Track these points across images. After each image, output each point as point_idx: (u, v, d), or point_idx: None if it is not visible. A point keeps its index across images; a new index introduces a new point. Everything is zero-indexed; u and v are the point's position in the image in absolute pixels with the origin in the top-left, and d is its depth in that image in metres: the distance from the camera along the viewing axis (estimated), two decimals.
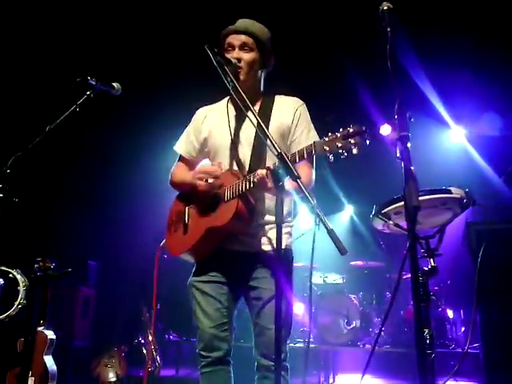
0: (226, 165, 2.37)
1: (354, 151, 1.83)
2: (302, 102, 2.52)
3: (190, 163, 2.60)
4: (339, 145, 1.85)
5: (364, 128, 1.85)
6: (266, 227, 2.35)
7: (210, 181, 2.27)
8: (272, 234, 2.33)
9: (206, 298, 2.33)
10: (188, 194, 2.45)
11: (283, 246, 2.31)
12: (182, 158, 2.61)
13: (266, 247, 2.33)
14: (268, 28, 2.53)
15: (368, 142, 1.85)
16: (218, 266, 2.35)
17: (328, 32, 5.72)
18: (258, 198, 2.29)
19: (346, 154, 1.85)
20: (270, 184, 2.05)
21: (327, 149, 1.88)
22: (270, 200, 2.32)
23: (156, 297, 2.88)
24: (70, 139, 5.50)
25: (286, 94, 2.58)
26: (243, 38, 2.40)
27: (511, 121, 6.28)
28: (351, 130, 1.85)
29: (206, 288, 2.34)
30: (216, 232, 2.26)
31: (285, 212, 2.38)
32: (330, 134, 1.91)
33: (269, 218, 2.35)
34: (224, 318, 2.33)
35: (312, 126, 2.47)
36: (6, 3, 5.30)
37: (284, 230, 2.33)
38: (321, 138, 1.98)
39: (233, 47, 2.40)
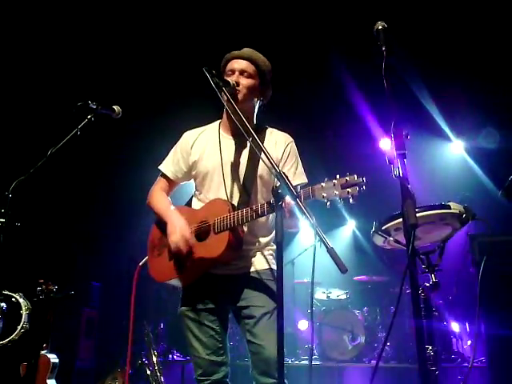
0: (214, 190, 2.40)
1: (351, 201, 1.89)
2: (291, 138, 2.55)
3: (172, 183, 2.61)
4: (336, 193, 1.90)
5: (361, 179, 1.89)
6: (251, 251, 2.39)
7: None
8: (257, 255, 2.39)
9: (199, 327, 2.36)
10: None
11: (270, 267, 2.39)
12: (164, 177, 2.61)
13: (251, 268, 2.37)
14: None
15: (364, 188, 1.89)
16: (206, 292, 2.37)
17: (326, 43, 5.78)
18: (247, 228, 2.33)
19: (342, 202, 1.90)
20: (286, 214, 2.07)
21: (325, 195, 1.93)
22: (253, 224, 2.36)
23: (138, 318, 2.87)
24: (71, 162, 5.54)
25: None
26: (244, 64, 2.44)
27: (510, 134, 6.31)
28: (348, 180, 1.88)
29: (197, 316, 2.37)
30: (206, 262, 2.29)
31: (269, 238, 2.44)
32: (326, 179, 1.95)
33: (253, 242, 2.39)
34: (219, 343, 2.37)
35: (299, 162, 2.52)
36: (8, 27, 5.39)
37: (269, 252, 2.42)
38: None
39: (233, 72, 2.43)
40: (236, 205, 2.32)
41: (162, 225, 2.47)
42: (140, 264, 2.60)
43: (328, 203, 1.93)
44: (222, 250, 2.21)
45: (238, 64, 2.45)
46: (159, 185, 2.61)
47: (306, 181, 2.47)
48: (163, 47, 5.81)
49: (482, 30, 5.55)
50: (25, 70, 5.68)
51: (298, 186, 2.40)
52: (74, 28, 5.51)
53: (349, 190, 1.87)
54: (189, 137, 2.59)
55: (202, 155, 2.48)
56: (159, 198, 2.56)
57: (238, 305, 2.33)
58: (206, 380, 2.33)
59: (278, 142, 2.48)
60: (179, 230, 2.30)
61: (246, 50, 2.51)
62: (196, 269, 2.32)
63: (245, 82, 2.41)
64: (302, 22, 5.59)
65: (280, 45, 5.53)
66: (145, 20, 5.61)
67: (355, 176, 1.89)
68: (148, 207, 2.58)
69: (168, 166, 2.59)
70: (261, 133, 2.47)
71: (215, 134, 2.51)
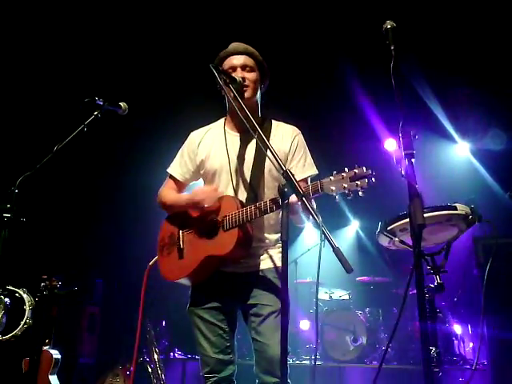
0: (222, 188, 2.40)
1: (360, 194, 1.86)
2: (298, 130, 2.54)
3: (180, 185, 2.61)
4: (345, 186, 1.87)
5: (370, 171, 1.87)
6: (260, 249, 2.39)
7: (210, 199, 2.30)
8: (265, 254, 2.39)
9: (207, 325, 2.37)
10: (180, 217, 2.46)
11: (278, 265, 2.38)
12: (172, 179, 2.61)
13: (260, 266, 2.37)
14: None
15: (374, 181, 1.86)
16: (215, 291, 2.37)
17: (333, 44, 5.78)
18: (256, 225, 2.33)
19: (352, 195, 1.88)
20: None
21: (333, 189, 1.91)
22: (262, 222, 2.36)
23: (142, 316, 2.86)
24: (77, 158, 5.54)
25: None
26: (244, 58, 2.45)
27: None
28: (357, 172, 1.86)
29: (206, 315, 2.38)
30: (216, 259, 2.29)
31: (278, 236, 2.42)
32: (335, 172, 1.93)
33: (262, 239, 2.39)
34: (227, 342, 2.38)
35: (308, 153, 2.50)
36: (15, 22, 5.40)
37: (277, 251, 2.41)
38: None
39: (234, 68, 2.43)
40: (244, 201, 2.31)
41: (175, 217, 2.48)
42: (150, 264, 2.61)
43: (337, 197, 1.91)
44: (231, 247, 2.20)
45: (237, 59, 2.45)
46: (168, 186, 2.62)
47: (316, 172, 2.45)
48: (169, 45, 5.81)
49: (487, 32, 5.53)
50: (32, 66, 5.68)
51: (309, 178, 2.40)
52: (82, 24, 5.51)
53: (358, 182, 1.85)
54: (195, 136, 2.59)
55: (209, 154, 2.48)
56: (170, 193, 2.56)
57: (246, 302, 2.34)
58: (213, 377, 2.35)
59: (284, 135, 2.47)
60: (198, 191, 2.33)
61: (238, 45, 2.51)
62: (207, 267, 2.32)
63: (250, 76, 2.42)
64: (308, 19, 5.58)
65: (285, 43, 5.54)
66: (152, 18, 5.61)
67: (364, 168, 1.87)
68: (160, 206, 2.59)
69: (176, 168, 2.60)
70: (267, 127, 2.47)
71: (221, 131, 2.50)
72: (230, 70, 2.43)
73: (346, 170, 1.90)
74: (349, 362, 5.78)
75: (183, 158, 2.58)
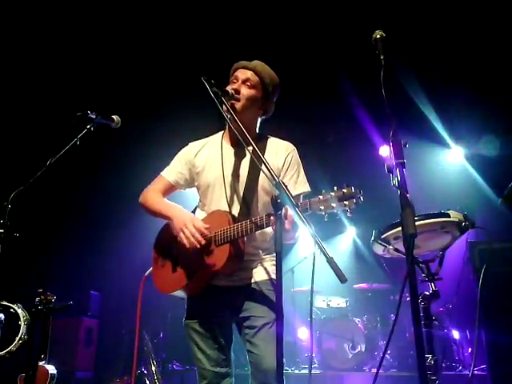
0: (216, 202, 2.40)
1: (348, 214, 1.88)
2: (293, 146, 2.54)
3: (170, 188, 2.57)
4: (333, 205, 1.89)
5: (358, 191, 1.88)
6: (253, 262, 2.40)
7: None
8: (258, 267, 2.40)
9: (203, 339, 2.37)
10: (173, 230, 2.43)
11: (271, 277, 2.38)
12: (163, 181, 2.56)
13: (254, 279, 2.38)
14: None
15: (362, 200, 1.88)
16: (209, 304, 2.37)
17: (327, 51, 5.80)
18: (249, 238, 2.33)
19: (339, 216, 1.90)
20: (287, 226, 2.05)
21: (322, 208, 1.92)
22: (254, 235, 2.35)
23: (140, 327, 2.85)
24: (70, 172, 5.53)
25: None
26: (249, 74, 2.45)
27: (510, 140, 6.31)
28: (345, 192, 1.88)
29: (201, 328, 2.37)
30: (208, 274, 2.30)
31: (270, 248, 2.42)
32: (324, 192, 1.94)
33: (255, 253, 2.39)
34: (223, 354, 2.37)
35: (302, 170, 2.50)
36: (6, 37, 5.40)
37: (270, 263, 2.41)
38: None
39: (237, 80, 2.45)
40: (236, 216, 2.32)
41: (165, 234, 2.47)
42: (145, 275, 2.61)
43: (326, 215, 1.93)
44: (223, 263, 2.22)
45: (242, 73, 2.46)
46: (155, 186, 2.57)
47: (308, 190, 2.45)
48: (162, 56, 5.82)
49: (480, 36, 5.57)
50: (24, 81, 5.68)
51: (301, 195, 2.41)
52: (72, 39, 5.52)
53: (346, 202, 1.87)
54: (193, 147, 2.59)
55: (205, 167, 2.49)
56: (156, 198, 2.51)
57: (239, 316, 2.33)
58: None
59: (278, 151, 2.47)
60: (189, 222, 2.25)
61: (255, 62, 2.52)
62: (199, 280, 2.32)
63: (245, 91, 2.41)
64: (305, 31, 5.60)
65: (282, 53, 5.55)
66: (144, 29, 5.62)
67: (352, 188, 1.89)
68: (141, 206, 2.54)
69: (171, 174, 2.57)
70: (262, 142, 2.47)
71: (218, 145, 2.50)
72: (234, 81, 2.45)
73: (335, 189, 1.92)
74: (348, 370, 5.76)
75: (179, 163, 2.57)
